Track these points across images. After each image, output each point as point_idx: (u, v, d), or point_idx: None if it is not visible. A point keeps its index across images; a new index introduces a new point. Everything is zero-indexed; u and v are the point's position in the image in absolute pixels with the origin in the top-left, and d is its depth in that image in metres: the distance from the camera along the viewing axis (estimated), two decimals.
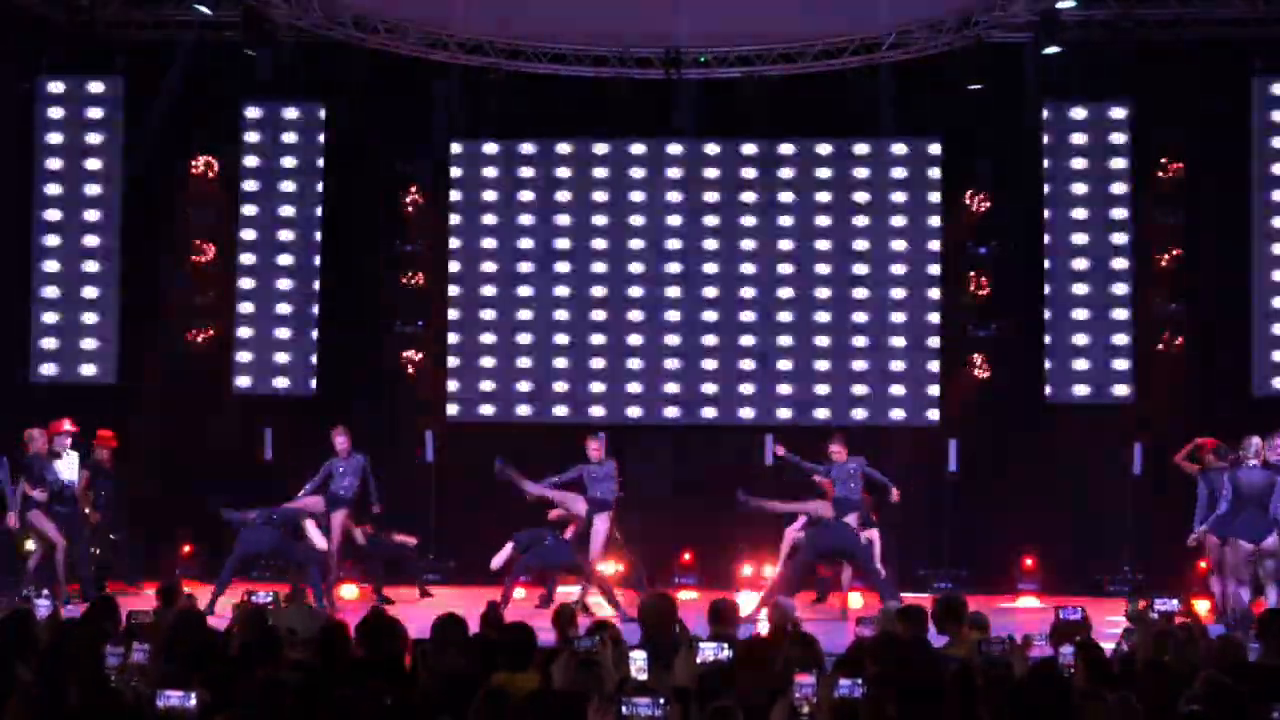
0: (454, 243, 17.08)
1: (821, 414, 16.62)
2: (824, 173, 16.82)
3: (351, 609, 13.30)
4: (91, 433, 15.15)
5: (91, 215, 16.44)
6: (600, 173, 17.03)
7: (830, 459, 14.78)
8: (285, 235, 16.81)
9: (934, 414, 16.46)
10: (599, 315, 16.91)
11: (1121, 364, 16.02)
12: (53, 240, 16.44)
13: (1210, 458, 13.84)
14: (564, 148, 17.04)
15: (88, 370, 16.32)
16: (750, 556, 16.07)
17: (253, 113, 16.82)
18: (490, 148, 17.05)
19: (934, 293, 16.58)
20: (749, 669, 6.89)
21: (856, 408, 16.62)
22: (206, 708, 5.86)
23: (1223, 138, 15.95)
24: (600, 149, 17.02)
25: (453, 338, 16.99)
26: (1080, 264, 16.13)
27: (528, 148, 17.05)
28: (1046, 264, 16.18)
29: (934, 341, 16.54)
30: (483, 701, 5.95)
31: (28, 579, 14.35)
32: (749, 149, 16.87)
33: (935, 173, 16.66)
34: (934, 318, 16.57)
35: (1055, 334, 16.13)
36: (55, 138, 16.47)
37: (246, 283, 16.78)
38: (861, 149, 16.76)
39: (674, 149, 16.94)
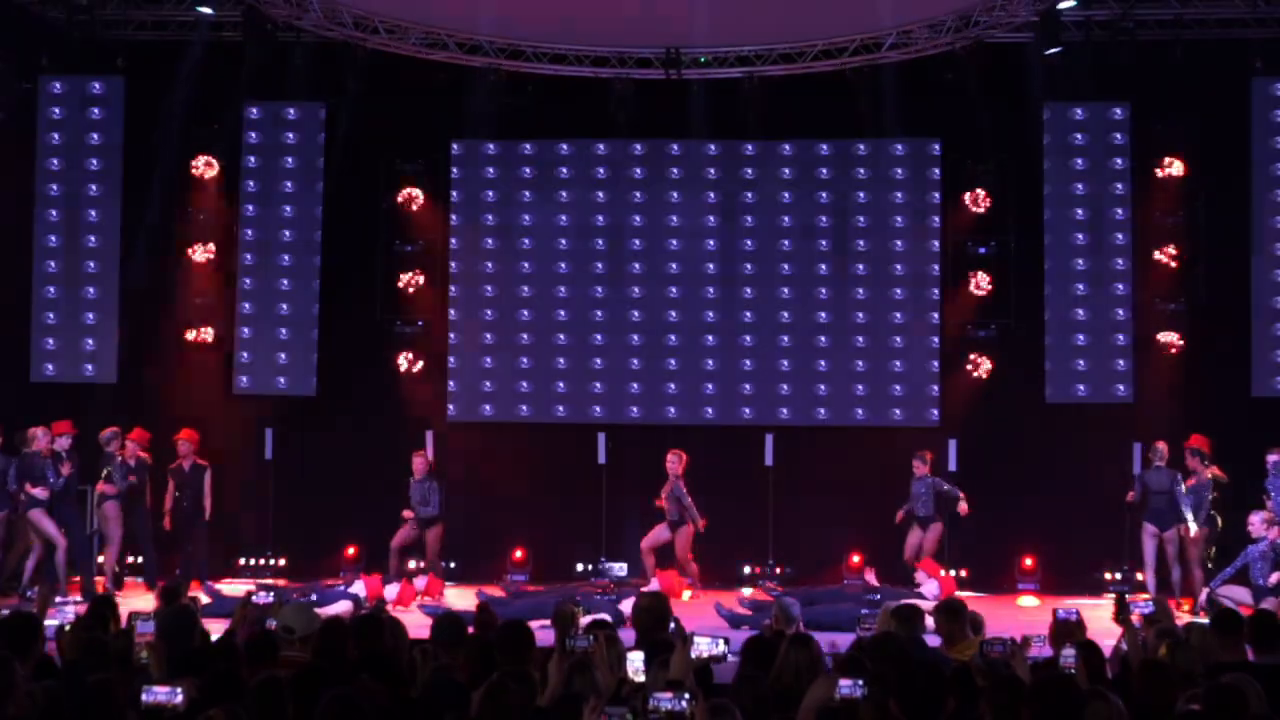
0: (454, 243, 17.08)
1: (821, 414, 16.64)
2: (824, 173, 16.83)
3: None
4: (93, 433, 15.15)
5: (91, 215, 16.44)
6: (600, 173, 17.03)
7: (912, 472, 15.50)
8: (285, 235, 16.80)
9: (934, 414, 16.47)
10: (599, 315, 16.91)
11: (1121, 364, 16.02)
12: (53, 240, 16.44)
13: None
14: (564, 148, 17.05)
15: (88, 370, 16.32)
16: (751, 555, 16.14)
17: (253, 113, 16.82)
18: (490, 148, 17.05)
19: (934, 293, 16.59)
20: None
21: (856, 408, 16.63)
22: (194, 704, 5.85)
23: (1223, 138, 15.94)
24: (600, 149, 17.03)
25: (453, 337, 16.99)
26: (1080, 264, 16.13)
27: (528, 148, 17.05)
28: (1046, 264, 16.18)
29: (934, 341, 16.55)
30: (482, 700, 5.95)
31: (28, 579, 14.38)
32: (749, 149, 16.87)
33: (935, 173, 16.66)
34: (934, 318, 16.57)
35: (1055, 334, 16.13)
36: (56, 138, 16.47)
37: (246, 283, 16.78)
38: (861, 149, 16.76)
39: (674, 149, 16.94)
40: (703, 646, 6.97)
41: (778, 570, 15.97)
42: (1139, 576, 15.06)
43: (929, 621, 8.86)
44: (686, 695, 5.54)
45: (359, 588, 13.94)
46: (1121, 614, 8.31)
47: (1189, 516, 14.58)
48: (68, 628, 8.00)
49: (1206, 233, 16.13)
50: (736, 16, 15.40)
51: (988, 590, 15.07)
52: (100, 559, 15.16)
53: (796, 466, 16.24)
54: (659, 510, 15.54)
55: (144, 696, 5.78)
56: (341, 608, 12.76)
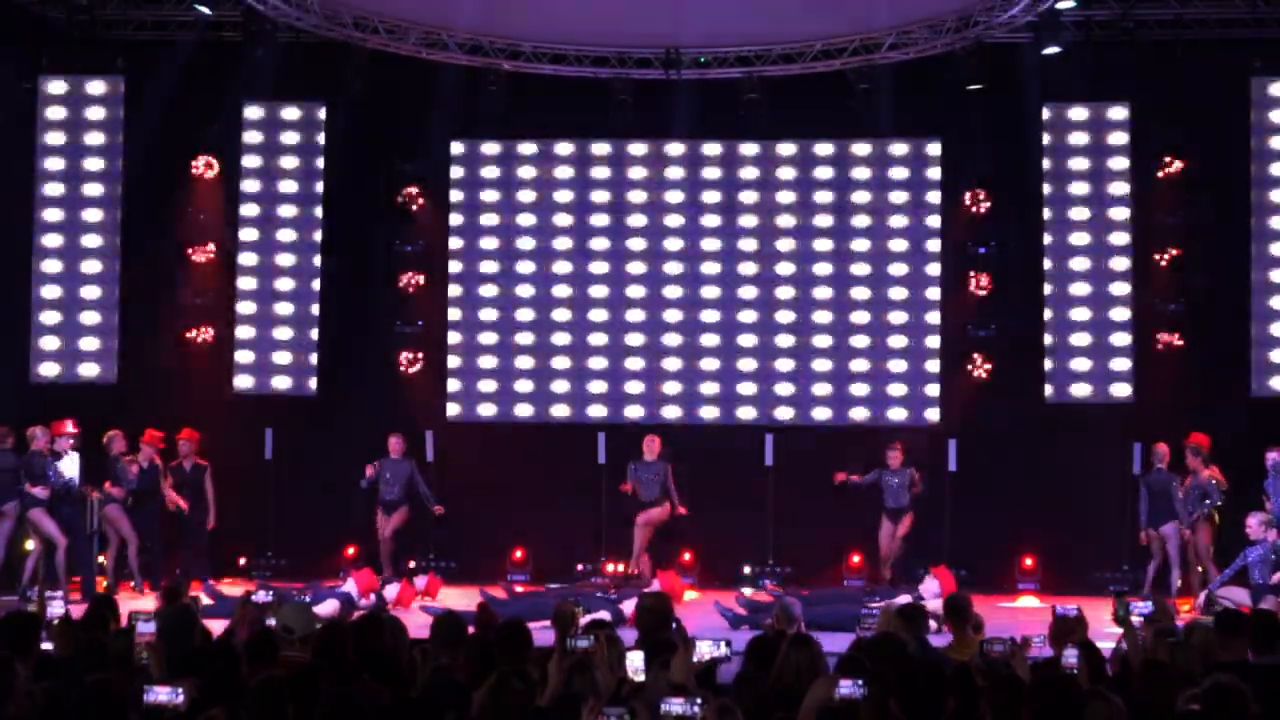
0: (454, 243, 17.08)
1: (821, 414, 16.63)
2: (824, 173, 16.83)
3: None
4: (94, 433, 15.13)
5: (91, 215, 16.44)
6: (600, 173, 17.03)
7: (886, 464, 15.47)
8: (285, 235, 16.81)
9: (934, 414, 16.47)
10: (599, 315, 16.92)
11: (1121, 364, 16.03)
12: (53, 240, 16.44)
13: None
14: (564, 148, 17.05)
15: (88, 370, 16.31)
16: (751, 555, 16.14)
17: (253, 113, 16.82)
18: (490, 148, 17.05)
19: (934, 293, 16.59)
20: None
21: (856, 408, 16.62)
22: (195, 704, 5.85)
23: (1223, 138, 15.94)
24: (600, 149, 17.02)
25: (453, 337, 16.99)
26: (1080, 264, 16.14)
27: (528, 148, 17.06)
28: (1046, 264, 16.19)
29: (934, 341, 16.55)
30: (485, 698, 5.95)
31: (27, 578, 14.38)
32: (749, 149, 16.87)
33: (935, 173, 16.66)
34: (934, 318, 16.57)
35: (1055, 334, 16.13)
36: (55, 138, 16.47)
37: (246, 283, 16.78)
38: (861, 149, 16.77)
39: (674, 149, 16.94)
40: (705, 650, 6.97)
41: (778, 570, 15.95)
42: (1154, 573, 15.07)
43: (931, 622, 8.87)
44: (698, 700, 5.53)
45: (350, 585, 13.91)
46: (1121, 614, 8.32)
47: (1184, 516, 14.59)
48: (56, 622, 8.01)
49: (1206, 233, 16.12)
50: (736, 16, 15.40)
51: (988, 590, 15.05)
52: (101, 559, 15.15)
53: (796, 466, 16.22)
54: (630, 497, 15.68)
55: (146, 696, 5.79)
56: (328, 607, 12.73)
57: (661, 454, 15.67)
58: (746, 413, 16.74)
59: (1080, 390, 16.08)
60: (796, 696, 6.39)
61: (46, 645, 7.67)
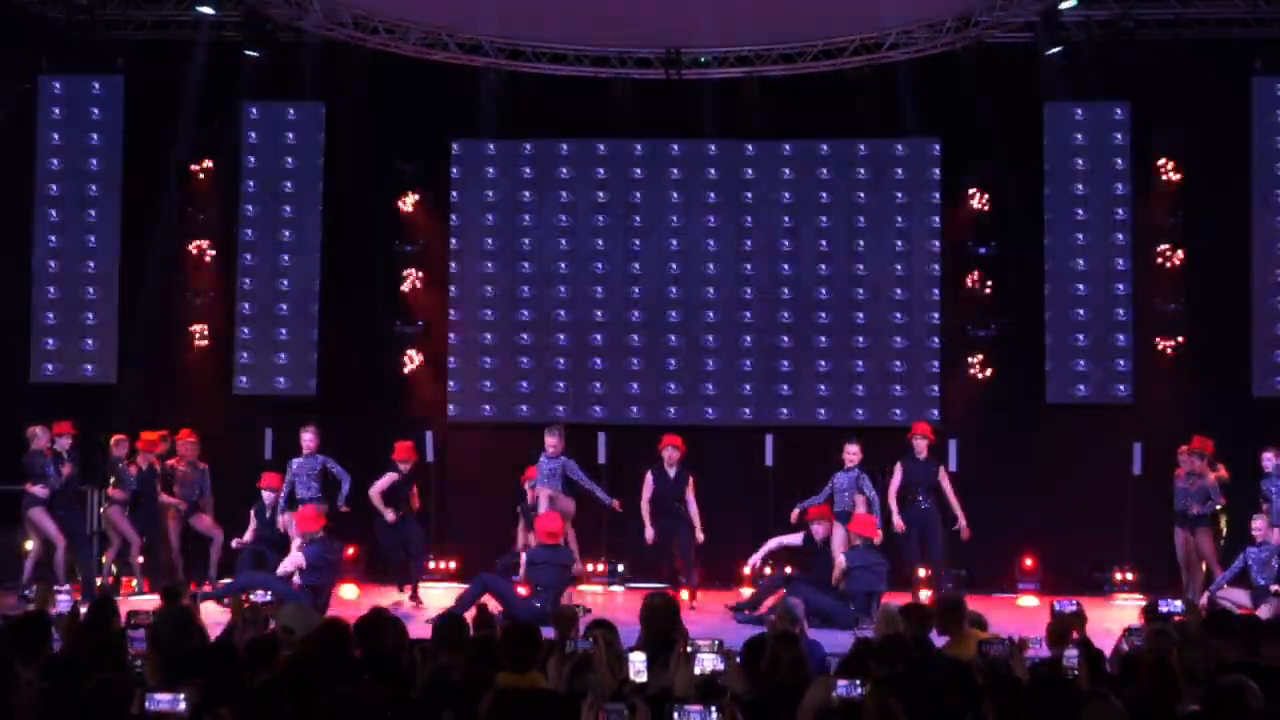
0: (454, 243, 17.09)
1: (821, 414, 16.63)
2: (824, 173, 16.83)
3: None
4: (94, 433, 15.12)
5: (91, 215, 16.45)
6: (600, 173, 17.03)
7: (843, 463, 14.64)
8: (285, 235, 16.81)
9: (934, 414, 16.46)
10: (599, 315, 16.92)
11: (1121, 364, 16.03)
12: (53, 240, 16.45)
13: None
14: (564, 148, 17.05)
15: (88, 370, 16.32)
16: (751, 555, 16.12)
17: (253, 113, 16.83)
18: (490, 148, 17.05)
19: (934, 293, 16.59)
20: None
21: (856, 408, 16.63)
22: (198, 709, 5.85)
23: (1223, 138, 15.94)
24: (600, 149, 17.03)
25: (453, 337, 16.99)
26: (1080, 264, 16.14)
27: (528, 148, 17.06)
28: (1046, 264, 16.19)
29: (934, 341, 16.55)
30: (493, 702, 5.95)
31: (26, 578, 14.36)
32: (749, 149, 16.87)
33: (935, 173, 16.66)
34: (934, 318, 16.57)
35: (1055, 334, 16.14)
36: (56, 138, 16.47)
37: (246, 283, 16.78)
38: (861, 149, 16.77)
39: (674, 149, 16.94)
40: (708, 663, 6.98)
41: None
42: (1128, 577, 15.31)
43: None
44: (714, 708, 5.52)
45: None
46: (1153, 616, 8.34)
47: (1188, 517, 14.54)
48: (64, 617, 8.01)
49: (1206, 233, 16.12)
50: (737, 16, 15.39)
51: (988, 590, 15.06)
52: (103, 559, 15.13)
53: (796, 466, 16.21)
54: (531, 509, 14.68)
55: (148, 704, 5.78)
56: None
57: (565, 451, 14.62)
58: (746, 413, 16.74)
59: (1080, 390, 16.08)
60: (787, 693, 6.40)
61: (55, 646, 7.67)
